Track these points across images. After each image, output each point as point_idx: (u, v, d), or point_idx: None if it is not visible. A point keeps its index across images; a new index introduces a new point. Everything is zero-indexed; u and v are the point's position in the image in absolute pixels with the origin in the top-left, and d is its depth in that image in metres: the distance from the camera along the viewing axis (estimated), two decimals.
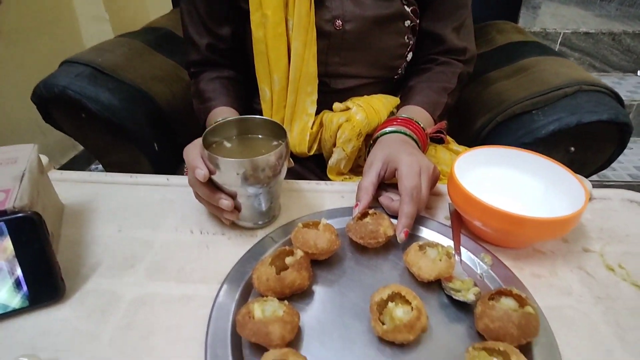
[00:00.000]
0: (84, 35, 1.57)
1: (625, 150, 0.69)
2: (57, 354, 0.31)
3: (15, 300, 0.34)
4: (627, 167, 1.51)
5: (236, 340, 0.32)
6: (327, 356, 0.32)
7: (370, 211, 0.43)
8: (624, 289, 0.37)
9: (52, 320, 0.34)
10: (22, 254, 0.33)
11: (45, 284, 0.34)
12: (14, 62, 1.27)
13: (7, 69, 1.25)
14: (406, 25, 0.61)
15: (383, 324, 0.32)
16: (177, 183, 0.51)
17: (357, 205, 0.44)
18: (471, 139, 0.76)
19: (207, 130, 0.41)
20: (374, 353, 0.32)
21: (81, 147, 1.45)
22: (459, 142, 0.67)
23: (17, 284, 0.33)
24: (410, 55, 0.65)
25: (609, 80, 1.81)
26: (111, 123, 0.72)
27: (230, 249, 0.41)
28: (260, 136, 0.45)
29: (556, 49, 1.83)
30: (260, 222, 0.44)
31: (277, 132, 0.43)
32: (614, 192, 0.50)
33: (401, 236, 0.40)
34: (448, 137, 0.66)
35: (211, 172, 0.39)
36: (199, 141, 0.42)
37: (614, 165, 1.29)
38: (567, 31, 1.80)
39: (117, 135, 0.75)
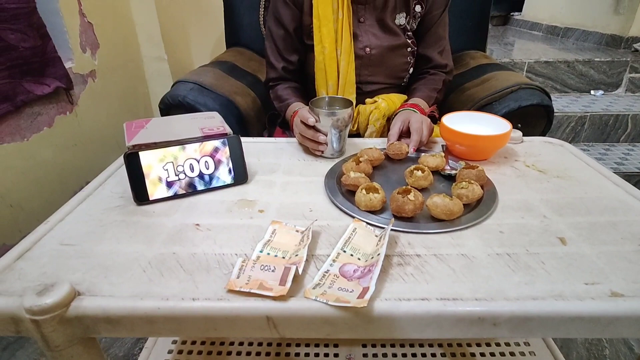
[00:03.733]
0: (146, 72, 1.97)
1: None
2: (251, 198, 0.65)
3: (228, 179, 0.67)
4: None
5: (339, 190, 0.66)
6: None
7: (397, 142, 0.78)
8: (532, 172, 0.72)
9: (245, 189, 0.68)
10: (232, 155, 0.67)
11: (240, 173, 0.68)
12: (102, 93, 1.65)
13: (100, 98, 1.62)
14: (408, 50, 1.00)
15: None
16: (280, 141, 0.86)
17: (388, 143, 0.79)
18: None
19: (311, 101, 0.77)
20: None
21: None
22: None
23: (229, 171, 0.67)
24: (411, 70, 1.03)
25: (569, 98, 2.23)
26: None
27: (322, 166, 0.75)
28: (337, 107, 0.80)
29: (523, 75, 2.26)
30: (336, 154, 0.79)
31: (346, 104, 0.79)
32: (537, 138, 0.86)
33: (411, 150, 0.76)
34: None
35: (315, 121, 0.75)
36: (305, 109, 0.77)
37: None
38: (530, 61, 2.23)
39: None
